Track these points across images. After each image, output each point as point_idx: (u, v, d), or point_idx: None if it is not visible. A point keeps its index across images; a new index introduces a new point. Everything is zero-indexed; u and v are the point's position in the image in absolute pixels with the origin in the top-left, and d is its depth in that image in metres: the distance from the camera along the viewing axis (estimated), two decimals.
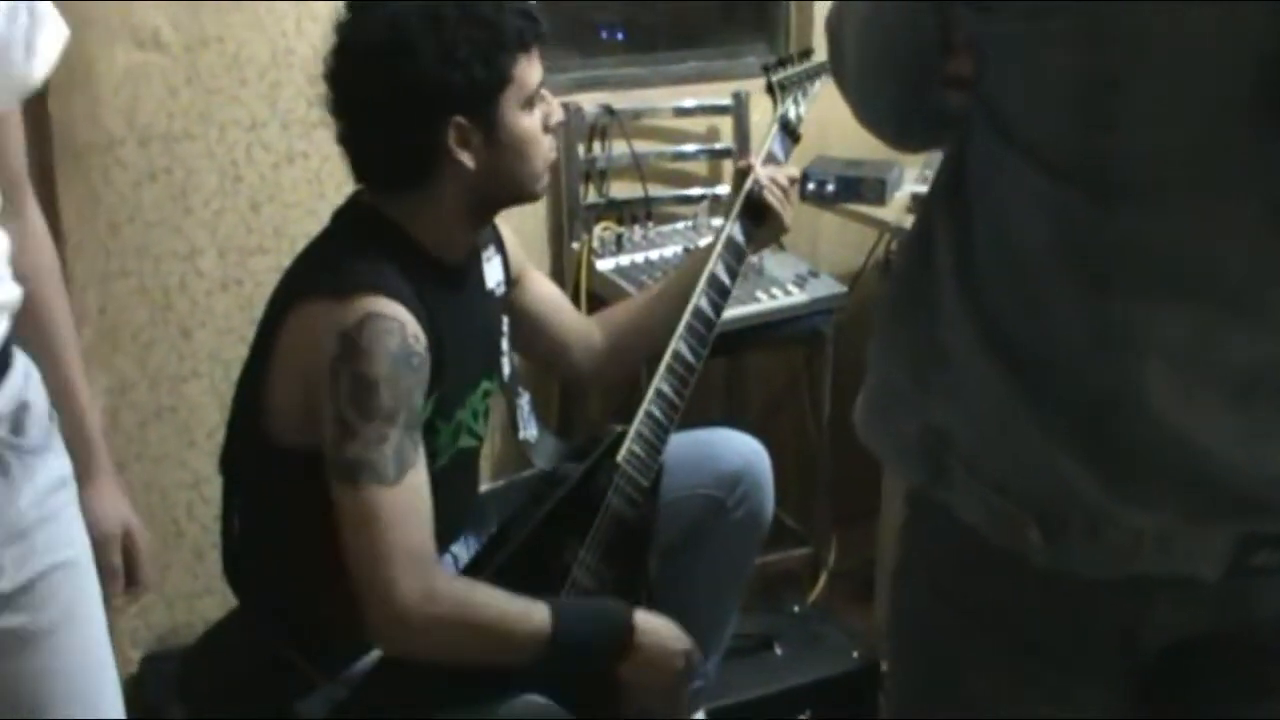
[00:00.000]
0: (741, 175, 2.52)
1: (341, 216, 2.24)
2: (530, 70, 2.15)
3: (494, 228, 2.37)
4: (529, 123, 2.15)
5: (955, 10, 1.37)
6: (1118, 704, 1.50)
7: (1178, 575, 1.40)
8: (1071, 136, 1.31)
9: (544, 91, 2.20)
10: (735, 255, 2.47)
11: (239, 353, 2.72)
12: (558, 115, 2.23)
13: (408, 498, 1.99)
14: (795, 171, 2.62)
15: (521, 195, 2.24)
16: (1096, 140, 1.30)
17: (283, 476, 2.08)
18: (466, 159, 2.11)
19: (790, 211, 2.53)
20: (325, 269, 2.13)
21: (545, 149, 2.20)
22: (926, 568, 1.58)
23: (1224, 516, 1.37)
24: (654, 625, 2.19)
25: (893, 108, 1.53)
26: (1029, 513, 1.40)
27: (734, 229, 2.47)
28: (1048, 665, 1.49)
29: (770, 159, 2.55)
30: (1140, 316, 1.32)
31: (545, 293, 2.55)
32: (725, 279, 2.44)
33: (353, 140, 2.15)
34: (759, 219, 2.49)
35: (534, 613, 2.06)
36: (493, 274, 2.34)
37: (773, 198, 2.48)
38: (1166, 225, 1.30)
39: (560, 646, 2.05)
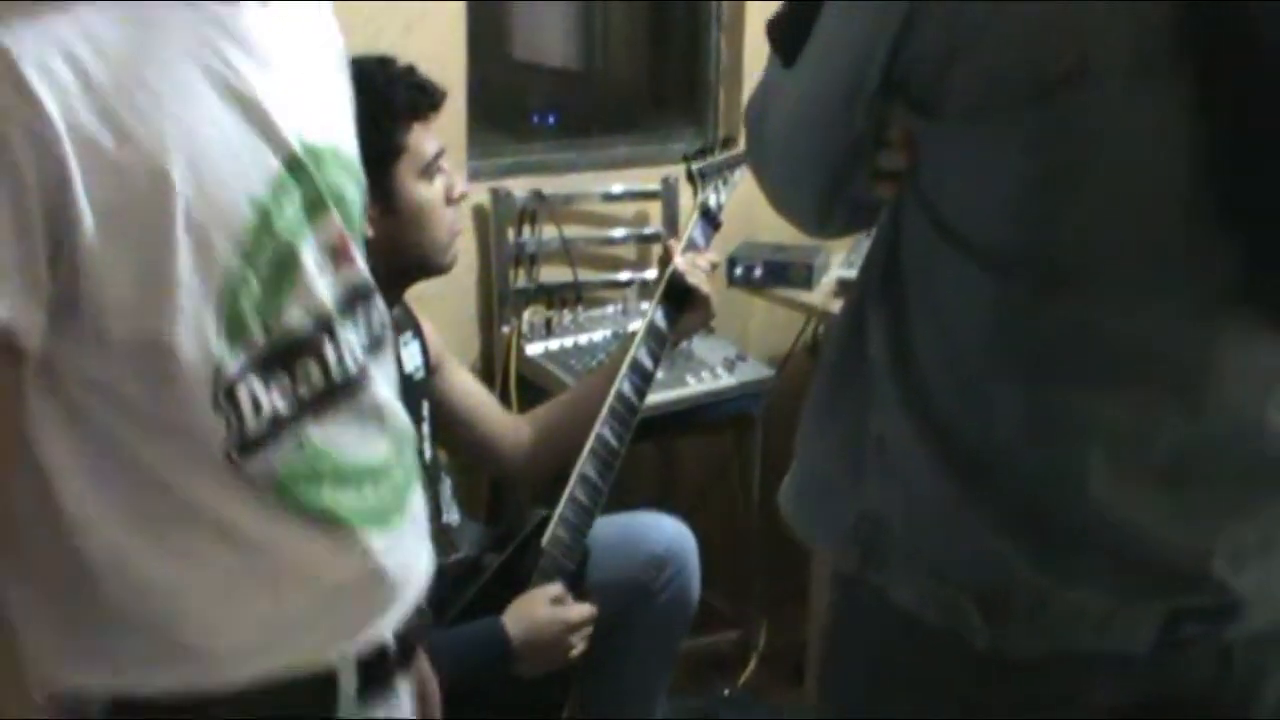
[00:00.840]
0: (664, 262, 2.54)
1: None
2: (425, 140, 2.18)
3: (410, 313, 2.38)
4: (427, 193, 2.19)
5: (893, 108, 1.39)
6: None
7: (1111, 651, 1.42)
8: (1013, 231, 1.34)
9: (443, 164, 2.23)
10: (658, 340, 2.49)
11: None
12: (460, 187, 2.27)
13: None
14: (715, 256, 2.65)
15: (427, 266, 2.26)
16: (1038, 235, 1.33)
17: None
18: (365, 230, 2.11)
19: (713, 294, 2.55)
20: None
21: (448, 220, 2.23)
22: (860, 649, 1.58)
23: (1156, 593, 1.40)
24: (527, 618, 2.22)
25: (816, 198, 1.53)
26: (968, 595, 1.41)
27: (656, 314, 2.49)
28: None
29: (691, 245, 2.58)
30: (1079, 403, 1.35)
31: (469, 388, 2.56)
32: (648, 363, 2.46)
33: None
34: (682, 304, 2.51)
35: None
36: (410, 358, 2.35)
37: (694, 279, 2.50)
38: (1106, 315, 1.33)
39: (443, 686, 2.03)
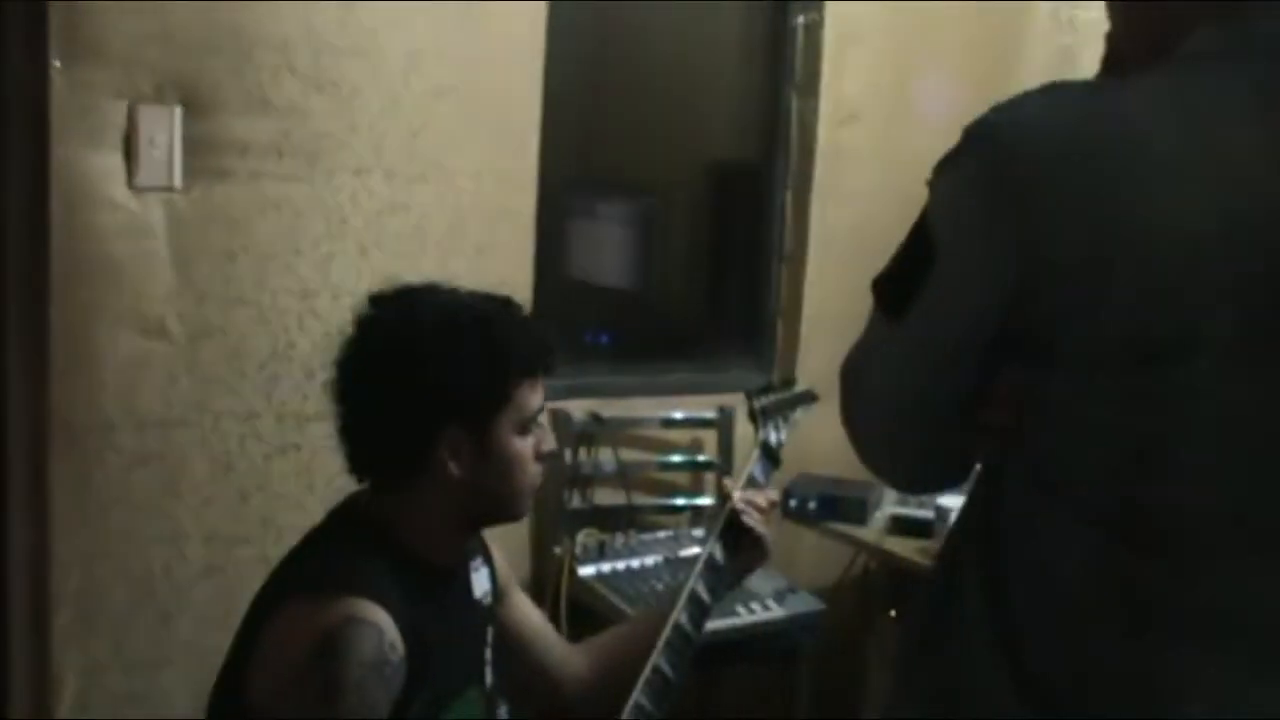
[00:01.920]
0: (723, 499, 2.56)
1: (337, 517, 2.26)
2: (531, 396, 2.18)
3: (481, 540, 2.39)
4: (520, 445, 2.18)
5: (1003, 362, 1.42)
6: None
7: None
8: (1116, 489, 1.36)
9: (542, 419, 2.23)
10: (716, 575, 2.49)
11: (216, 641, 2.70)
12: (550, 444, 2.26)
13: None
14: (774, 495, 2.66)
15: (503, 513, 2.27)
16: (1142, 494, 1.35)
17: None
18: (454, 469, 2.13)
19: (770, 532, 2.56)
20: (314, 567, 2.14)
21: (532, 474, 2.22)
22: None
23: None
24: None
25: (913, 453, 1.55)
26: None
27: (715, 549, 2.50)
28: None
29: (751, 482, 2.59)
30: (1183, 665, 1.35)
31: (530, 616, 2.55)
32: (705, 597, 2.45)
33: (349, 431, 2.19)
34: (739, 543, 2.52)
35: None
36: (479, 583, 2.35)
37: (751, 520, 2.51)
38: (1206, 575, 1.34)
39: None
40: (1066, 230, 1.34)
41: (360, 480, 2.22)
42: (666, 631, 2.40)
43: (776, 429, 2.69)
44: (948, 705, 1.47)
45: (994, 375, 1.44)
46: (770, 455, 2.63)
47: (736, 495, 2.53)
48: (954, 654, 1.47)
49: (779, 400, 2.75)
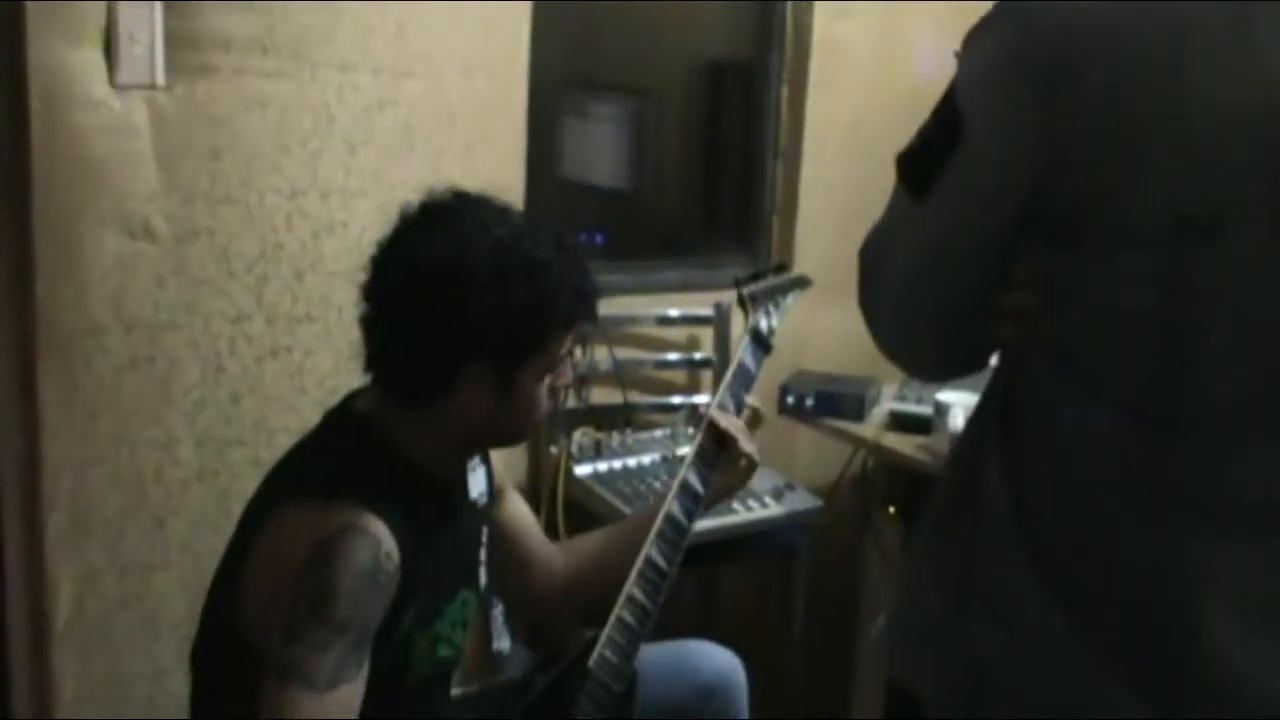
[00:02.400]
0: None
1: (334, 420, 2.23)
2: (564, 344, 2.17)
3: None
4: (540, 389, 2.17)
5: (1027, 244, 1.39)
6: None
7: None
8: (1142, 374, 1.34)
9: (566, 359, 2.22)
10: (707, 464, 2.47)
11: (211, 545, 2.71)
12: (566, 380, 2.26)
13: (332, 710, 1.94)
14: (749, 410, 2.60)
15: (507, 442, 2.30)
16: (1169, 378, 1.32)
17: (250, 674, 2.03)
18: (471, 403, 2.12)
19: (753, 448, 2.53)
20: (313, 474, 2.13)
21: (544, 409, 2.21)
22: None
23: None
24: None
25: (934, 341, 1.53)
26: None
27: (702, 439, 2.48)
28: None
29: (741, 369, 2.56)
30: (1204, 555, 1.33)
31: (520, 514, 2.55)
32: (698, 486, 2.44)
33: (373, 332, 2.16)
34: (720, 460, 2.50)
35: None
36: (476, 484, 2.34)
37: (729, 424, 2.48)
38: (1233, 463, 1.32)
39: None
40: (1099, 103, 1.31)
41: (371, 378, 2.19)
42: (659, 522, 2.39)
43: (767, 315, 2.66)
44: (966, 593, 1.45)
45: (1018, 258, 1.41)
46: (760, 342, 2.61)
47: (715, 413, 2.50)
48: (973, 538, 1.45)
49: (770, 286, 2.72)
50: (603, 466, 3.19)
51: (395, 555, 2.02)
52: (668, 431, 3.38)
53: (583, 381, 3.33)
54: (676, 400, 3.48)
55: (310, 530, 1.99)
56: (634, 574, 2.35)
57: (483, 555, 2.38)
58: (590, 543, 2.62)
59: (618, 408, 3.36)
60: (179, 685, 2.84)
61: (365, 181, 3.01)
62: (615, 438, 3.29)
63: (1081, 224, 1.34)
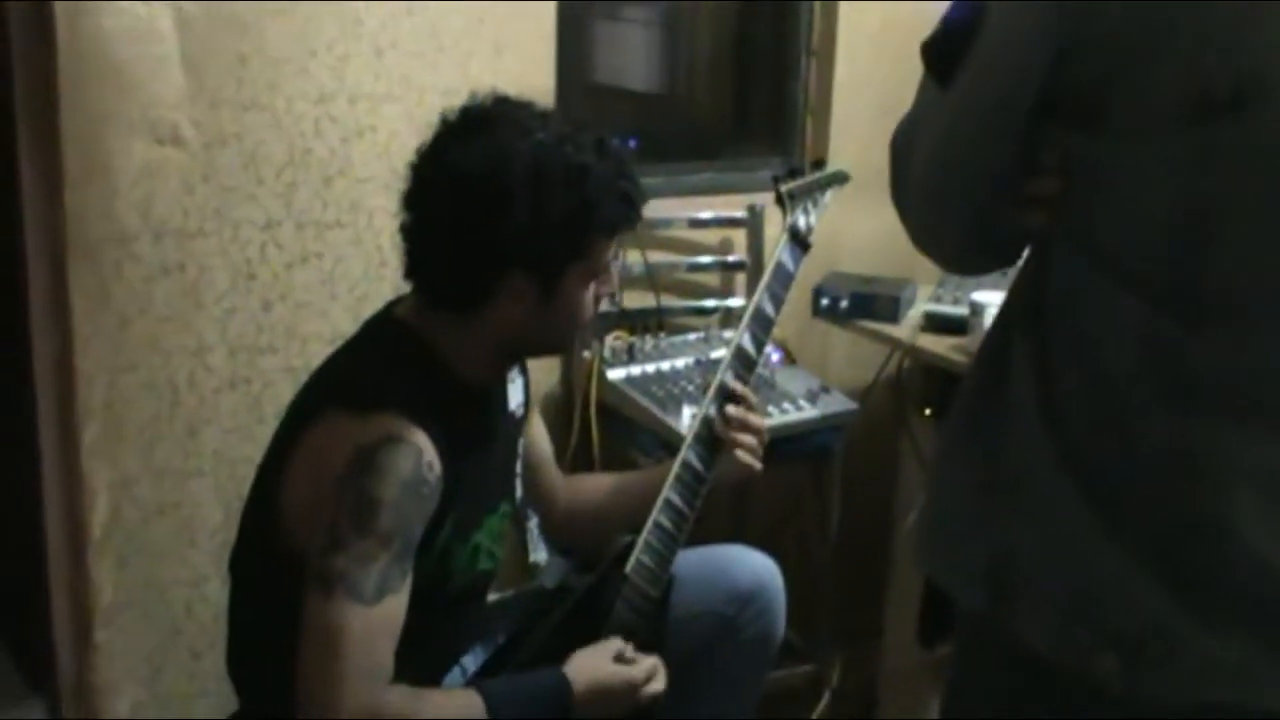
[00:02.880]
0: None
1: (375, 328, 2.22)
2: (607, 252, 2.15)
3: None
4: (584, 296, 2.15)
5: (1050, 129, 1.37)
6: None
7: (1248, 704, 1.38)
8: (1167, 259, 1.32)
9: (610, 265, 2.19)
10: (745, 365, 2.44)
11: (244, 452, 2.72)
12: (610, 288, 2.24)
13: (378, 622, 1.95)
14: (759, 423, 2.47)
15: (550, 351, 2.32)
16: (1193, 263, 1.30)
17: (290, 580, 2.04)
18: (514, 311, 2.10)
19: (756, 459, 2.45)
20: (354, 381, 2.12)
21: (587, 318, 2.19)
22: (987, 691, 1.55)
23: None
24: (590, 675, 2.13)
25: (962, 228, 1.51)
26: (1103, 636, 1.39)
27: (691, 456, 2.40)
28: None
29: (780, 270, 2.51)
30: (1228, 441, 1.32)
31: (538, 440, 2.53)
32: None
33: (414, 240, 2.14)
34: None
35: (471, 712, 2.00)
36: (514, 395, 2.33)
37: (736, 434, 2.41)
38: (1258, 350, 1.30)
39: None
40: None
41: (415, 290, 2.18)
42: (695, 425, 2.37)
43: (805, 213, 2.62)
44: (991, 483, 1.45)
45: (1044, 144, 1.38)
46: (799, 240, 2.57)
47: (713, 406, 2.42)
48: (1000, 430, 1.44)
49: (808, 183, 2.68)
50: (635, 370, 3.17)
51: (437, 466, 2.02)
52: (701, 335, 3.36)
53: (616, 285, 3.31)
54: (710, 304, 3.46)
55: (352, 439, 1.98)
56: (670, 478, 2.34)
57: (518, 468, 2.38)
58: (595, 488, 2.60)
59: (650, 311, 3.34)
60: (216, 592, 2.87)
61: (393, 86, 2.98)
62: (648, 341, 3.27)
63: (1103, 105, 1.32)
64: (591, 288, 2.16)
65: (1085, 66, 1.31)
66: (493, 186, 2.03)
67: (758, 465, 2.43)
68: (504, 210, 2.03)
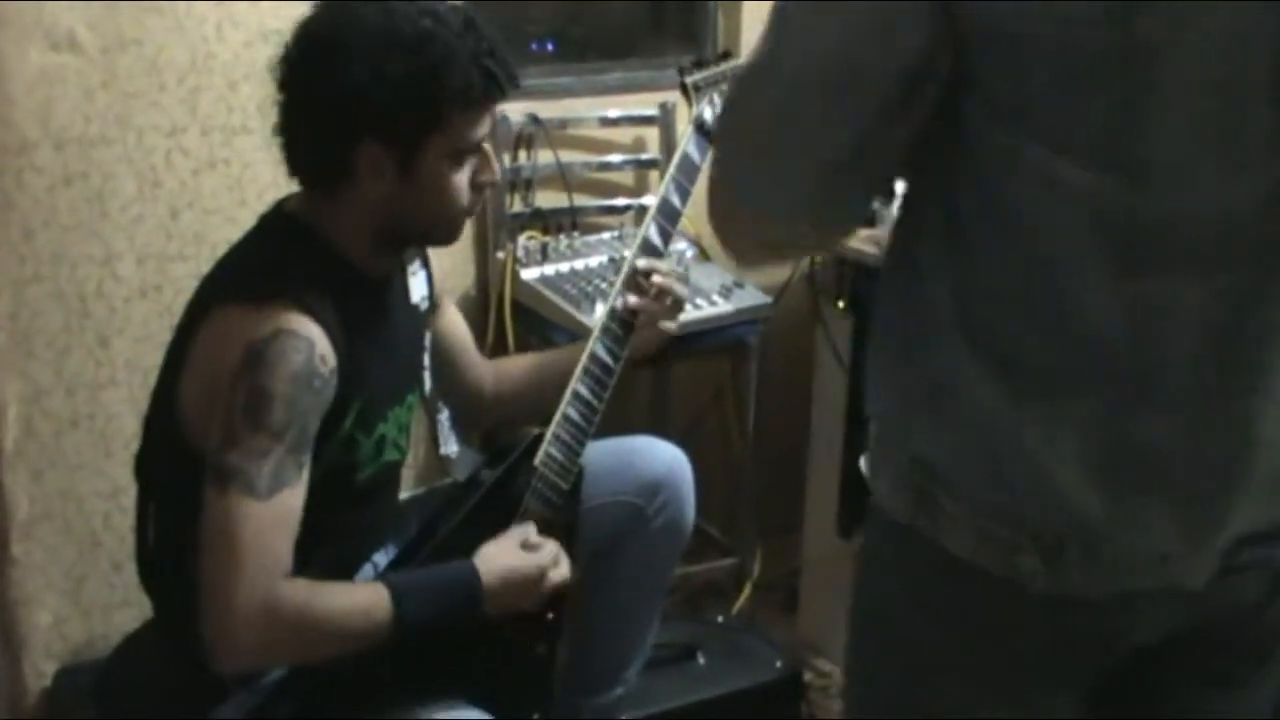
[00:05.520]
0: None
1: (265, 222, 2.21)
2: (470, 127, 2.08)
3: None
4: (453, 175, 2.10)
5: (962, 13, 1.29)
6: (1079, 704, 1.52)
7: (1168, 588, 1.40)
8: (1102, 118, 1.28)
9: (487, 148, 2.14)
10: (653, 256, 2.45)
11: (157, 360, 2.67)
12: (489, 175, 2.16)
13: (274, 515, 1.95)
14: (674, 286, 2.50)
15: (430, 238, 2.22)
16: (1129, 119, 1.27)
17: (194, 482, 2.03)
18: (374, 185, 2.07)
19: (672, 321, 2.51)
20: (245, 275, 2.10)
21: (463, 202, 2.14)
22: (911, 596, 1.53)
23: (1220, 526, 1.38)
24: (499, 565, 2.14)
25: (825, 176, 1.38)
26: (1025, 536, 1.38)
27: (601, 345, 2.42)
28: (1024, 675, 1.49)
29: (685, 161, 2.51)
30: (1173, 295, 1.31)
31: (455, 327, 2.53)
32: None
33: (278, 116, 2.12)
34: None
35: (376, 607, 2.00)
36: (417, 288, 2.32)
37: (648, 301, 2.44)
38: (1195, 203, 1.29)
39: (410, 626, 2.01)
40: None
41: (296, 181, 2.16)
42: (602, 318, 2.38)
43: (712, 104, 2.61)
44: (910, 387, 1.44)
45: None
46: (705, 131, 2.57)
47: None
48: (916, 335, 1.42)
49: (714, 74, 2.67)
50: (549, 270, 3.17)
51: (331, 358, 2.01)
52: (615, 233, 3.36)
53: (528, 185, 3.30)
54: (622, 202, 3.46)
55: (242, 334, 1.97)
56: (578, 370, 2.35)
57: (426, 360, 2.38)
58: (519, 368, 2.62)
59: (564, 210, 3.33)
60: (134, 502, 2.85)
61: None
62: (562, 241, 3.26)
63: None
64: (467, 170, 2.12)
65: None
66: (331, 44, 2.02)
67: (673, 326, 2.47)
68: (341, 69, 2.00)
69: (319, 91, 2.05)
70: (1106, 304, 1.32)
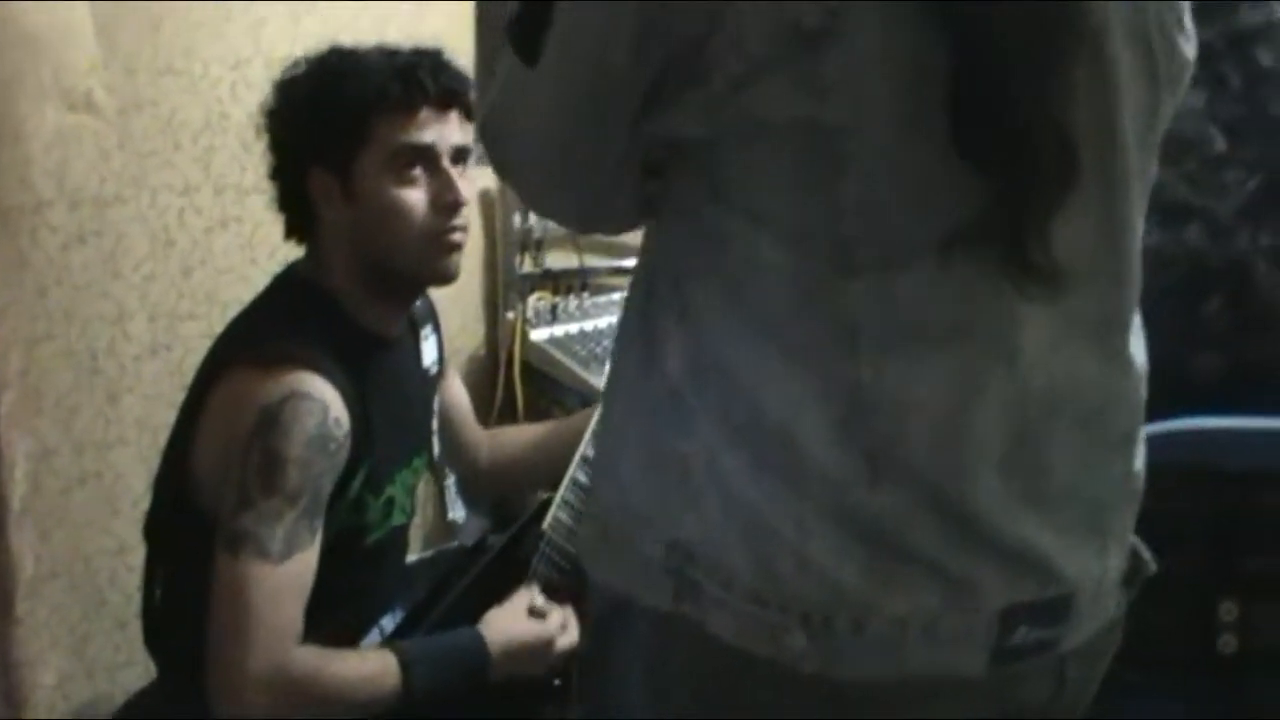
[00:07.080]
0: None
1: (277, 283, 2.22)
2: (397, 132, 2.07)
3: (432, 307, 2.36)
4: (395, 192, 2.07)
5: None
6: None
7: (944, 673, 1.31)
8: (800, 200, 1.23)
9: (446, 167, 2.11)
10: None
11: (167, 419, 2.68)
12: (454, 195, 2.10)
13: (287, 579, 1.94)
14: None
15: (406, 269, 2.14)
16: (827, 195, 1.21)
17: (204, 545, 2.03)
18: (328, 212, 2.11)
19: None
20: (257, 337, 2.11)
21: (417, 221, 2.09)
22: (679, 687, 1.37)
23: (984, 589, 1.30)
24: (505, 632, 2.12)
25: (589, 198, 1.40)
26: (789, 616, 1.28)
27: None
28: None
29: None
30: (895, 375, 1.25)
31: (456, 396, 2.54)
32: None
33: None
34: None
35: (384, 675, 1.99)
36: (429, 352, 2.33)
37: None
38: (907, 282, 1.23)
39: (416, 694, 2.00)
40: None
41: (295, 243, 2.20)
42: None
43: None
44: (663, 475, 1.34)
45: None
46: None
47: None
48: (659, 412, 1.34)
49: None
50: (559, 330, 3.18)
51: (345, 420, 2.01)
52: (624, 294, 3.35)
53: (538, 245, 3.31)
54: (632, 263, 3.45)
55: (256, 397, 1.97)
56: (588, 434, 2.34)
57: (434, 425, 2.38)
58: (517, 440, 2.62)
59: (574, 271, 3.35)
60: (141, 561, 2.84)
61: (312, 48, 2.96)
62: (572, 301, 3.27)
63: (706, 63, 1.20)
64: (419, 190, 2.09)
65: (678, 24, 1.20)
66: (283, 91, 2.14)
67: None
68: (289, 109, 2.12)
69: (274, 135, 2.15)
70: (821, 388, 1.26)
